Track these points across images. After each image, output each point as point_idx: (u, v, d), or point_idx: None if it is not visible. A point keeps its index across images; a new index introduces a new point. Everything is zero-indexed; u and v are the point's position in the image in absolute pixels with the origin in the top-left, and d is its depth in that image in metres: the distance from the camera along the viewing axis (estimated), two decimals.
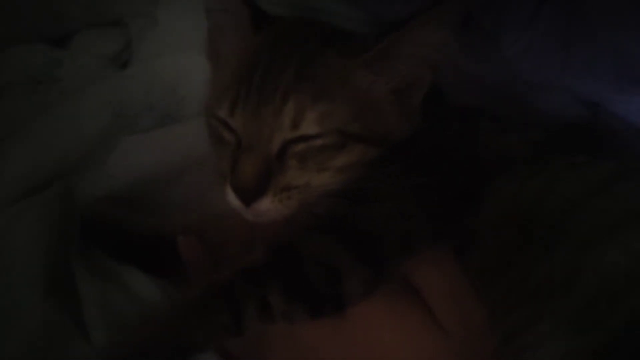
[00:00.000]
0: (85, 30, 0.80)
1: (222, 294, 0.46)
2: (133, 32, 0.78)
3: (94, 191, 0.66)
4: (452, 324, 0.49)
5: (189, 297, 0.47)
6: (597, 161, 0.53)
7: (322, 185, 0.52)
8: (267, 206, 0.51)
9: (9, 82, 0.77)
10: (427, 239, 0.51)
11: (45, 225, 0.60)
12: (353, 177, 0.52)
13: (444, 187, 0.52)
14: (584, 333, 0.44)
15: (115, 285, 0.60)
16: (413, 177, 0.51)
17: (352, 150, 0.52)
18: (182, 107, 0.72)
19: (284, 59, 0.52)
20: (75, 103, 0.70)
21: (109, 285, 0.60)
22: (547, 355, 0.44)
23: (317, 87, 0.50)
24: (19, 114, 0.72)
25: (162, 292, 0.59)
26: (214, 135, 0.55)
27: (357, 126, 0.52)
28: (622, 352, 0.43)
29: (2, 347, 0.53)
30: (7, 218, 0.60)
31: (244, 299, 0.46)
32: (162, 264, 0.62)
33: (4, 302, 0.55)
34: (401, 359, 0.49)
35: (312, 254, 0.48)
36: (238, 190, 0.51)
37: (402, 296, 0.50)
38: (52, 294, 0.57)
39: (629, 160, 0.58)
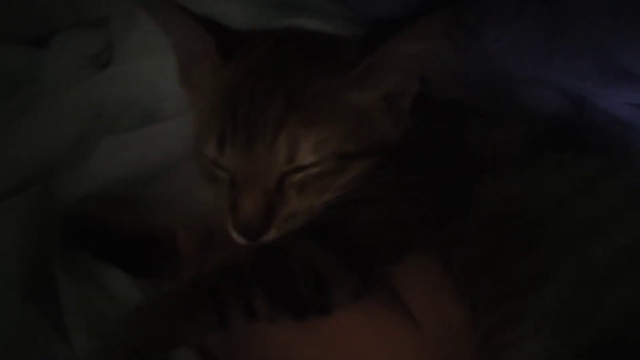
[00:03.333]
0: (66, 30, 0.79)
1: (208, 292, 0.45)
2: (114, 32, 0.77)
3: (75, 191, 0.65)
4: (431, 324, 0.48)
5: (176, 292, 0.46)
6: (582, 159, 0.53)
7: (325, 203, 0.51)
8: (274, 235, 0.49)
9: None
10: (416, 245, 0.50)
11: (23, 227, 0.59)
12: (351, 187, 0.51)
13: (433, 187, 0.51)
14: (563, 334, 0.43)
15: (95, 287, 0.59)
16: (403, 178, 0.50)
17: (351, 169, 0.50)
18: (163, 106, 0.71)
19: (268, 91, 0.49)
20: (54, 103, 0.69)
21: (89, 287, 0.59)
22: (527, 356, 0.44)
23: (308, 115, 0.48)
24: None
25: (143, 293, 0.58)
26: (206, 173, 0.53)
27: (352, 145, 0.50)
28: (603, 354, 0.42)
29: None
30: None
31: (230, 299, 0.45)
32: (143, 265, 0.61)
33: None
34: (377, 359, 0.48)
35: (299, 259, 0.47)
36: (242, 231, 0.49)
37: (378, 295, 0.49)
38: (30, 297, 0.56)
39: (614, 155, 0.58)
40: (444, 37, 0.52)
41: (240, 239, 0.49)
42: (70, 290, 0.58)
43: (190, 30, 0.52)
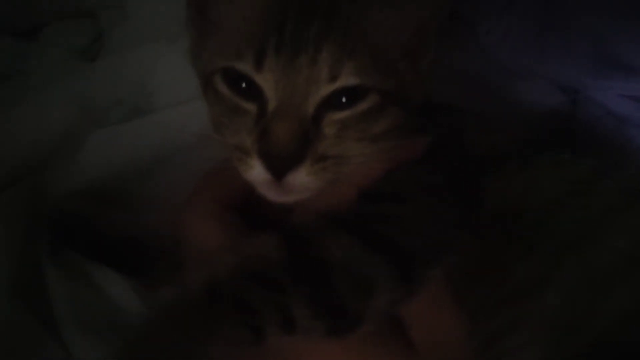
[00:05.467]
0: (55, 22, 0.78)
1: (234, 302, 0.39)
2: (103, 24, 0.76)
3: (64, 187, 0.64)
4: (428, 339, 0.46)
5: (191, 303, 0.40)
6: (579, 159, 0.52)
7: (356, 156, 0.46)
8: (302, 179, 0.44)
9: None
10: (455, 249, 0.46)
11: (10, 224, 0.58)
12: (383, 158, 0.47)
13: (455, 190, 0.48)
14: (561, 341, 0.42)
15: (86, 285, 0.58)
16: (431, 178, 0.48)
17: (389, 114, 0.46)
18: (152, 99, 0.69)
19: (310, 10, 0.45)
20: (42, 96, 0.68)
21: (79, 285, 0.58)
22: None
23: (347, 36, 0.44)
24: None
25: (133, 291, 0.57)
26: (225, 105, 0.47)
27: (390, 84, 0.46)
28: None
29: None
30: None
31: (263, 309, 0.40)
32: (131, 263, 0.60)
33: None
34: None
35: (342, 258, 0.42)
36: (269, 158, 0.43)
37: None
38: (19, 295, 0.55)
39: (610, 148, 0.57)
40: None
41: (264, 175, 0.44)
42: (61, 287, 0.57)
43: None
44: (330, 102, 0.44)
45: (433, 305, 0.47)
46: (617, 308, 0.42)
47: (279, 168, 0.43)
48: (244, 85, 0.45)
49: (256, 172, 0.44)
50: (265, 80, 0.44)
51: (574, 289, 0.43)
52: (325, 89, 0.44)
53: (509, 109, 0.63)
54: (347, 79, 0.44)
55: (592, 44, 0.58)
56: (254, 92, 0.45)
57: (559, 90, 0.63)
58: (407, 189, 0.47)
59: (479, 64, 0.63)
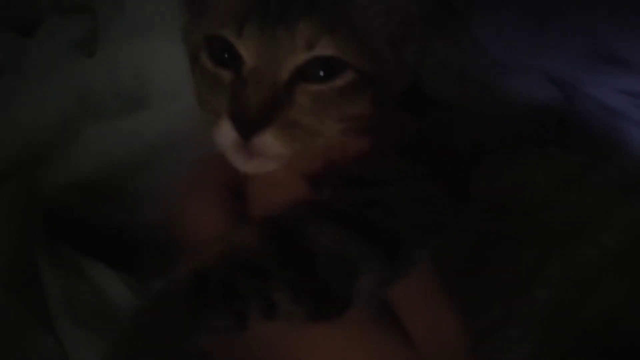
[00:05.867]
0: (52, 16, 0.77)
1: (221, 288, 0.40)
2: (100, 18, 0.76)
3: (59, 180, 0.64)
4: (424, 336, 0.46)
5: (179, 290, 0.41)
6: (568, 153, 0.52)
7: (329, 132, 0.46)
8: (270, 141, 0.44)
9: None
10: (442, 231, 0.46)
11: (5, 218, 0.58)
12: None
13: (438, 178, 0.48)
14: (551, 335, 0.43)
15: (80, 279, 0.58)
16: (417, 167, 0.47)
17: (364, 95, 0.47)
18: (149, 92, 0.69)
19: None
20: (38, 90, 0.68)
21: (73, 279, 0.58)
22: (516, 358, 0.43)
23: (328, 18, 0.45)
24: None
25: (128, 286, 0.57)
26: (208, 78, 0.48)
27: (369, 66, 0.46)
28: (588, 354, 0.42)
29: None
30: None
31: (248, 295, 0.40)
32: (125, 259, 0.60)
33: None
34: None
35: (324, 243, 0.42)
36: (238, 118, 0.43)
37: (371, 309, 0.45)
38: (13, 289, 0.55)
39: (605, 143, 0.57)
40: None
41: (231, 135, 0.44)
42: (55, 281, 0.57)
43: None
44: (307, 73, 0.45)
45: (425, 298, 0.47)
46: (605, 303, 0.43)
47: (246, 128, 0.43)
48: (226, 55, 0.46)
49: (224, 132, 0.44)
50: (244, 46, 0.45)
51: (563, 285, 0.44)
52: (301, 57, 0.44)
53: (503, 103, 0.63)
54: (323, 50, 0.44)
55: (587, 40, 0.58)
56: (233, 59, 0.45)
57: (554, 85, 0.63)
58: (390, 175, 0.47)
59: (472, 58, 0.63)
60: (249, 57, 0.45)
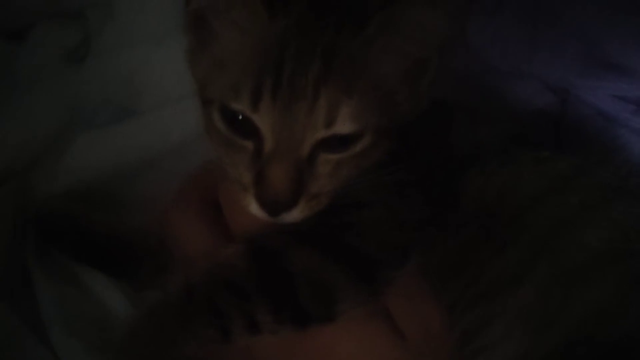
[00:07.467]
0: (43, 22, 0.77)
1: (206, 304, 0.43)
2: (91, 25, 0.75)
3: (50, 188, 0.64)
4: (413, 332, 0.47)
5: (171, 303, 0.45)
6: (560, 156, 0.52)
7: (346, 184, 0.48)
8: (296, 215, 0.46)
9: None
10: (420, 247, 0.49)
11: None
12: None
13: (428, 186, 0.50)
14: (535, 335, 0.43)
15: (73, 286, 0.58)
16: (400, 176, 0.48)
17: (380, 146, 0.48)
18: (140, 100, 0.69)
19: (309, 49, 0.44)
20: (29, 97, 0.67)
21: (66, 286, 0.58)
22: (500, 358, 0.44)
23: (345, 78, 0.44)
24: None
25: (121, 293, 0.57)
26: (223, 139, 0.48)
27: (387, 119, 0.47)
28: (573, 355, 0.42)
29: None
30: None
31: (231, 313, 0.43)
32: (117, 266, 0.60)
33: None
34: None
35: (303, 270, 0.45)
36: (267, 204, 0.45)
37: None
38: (5, 297, 0.55)
39: (599, 148, 0.57)
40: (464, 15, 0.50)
41: (261, 214, 0.46)
42: (48, 288, 0.57)
43: None
44: (326, 143, 0.45)
45: (413, 301, 0.49)
46: (590, 304, 0.43)
47: (274, 211, 0.45)
48: (240, 117, 0.46)
49: (254, 209, 0.46)
50: (262, 121, 0.45)
51: (548, 285, 0.45)
52: (320, 133, 0.45)
53: (498, 108, 0.63)
54: (342, 126, 0.45)
55: (582, 44, 0.58)
56: (250, 129, 0.46)
57: (548, 90, 0.63)
58: (371, 193, 0.48)
59: (466, 63, 0.63)
60: (267, 133, 0.45)
